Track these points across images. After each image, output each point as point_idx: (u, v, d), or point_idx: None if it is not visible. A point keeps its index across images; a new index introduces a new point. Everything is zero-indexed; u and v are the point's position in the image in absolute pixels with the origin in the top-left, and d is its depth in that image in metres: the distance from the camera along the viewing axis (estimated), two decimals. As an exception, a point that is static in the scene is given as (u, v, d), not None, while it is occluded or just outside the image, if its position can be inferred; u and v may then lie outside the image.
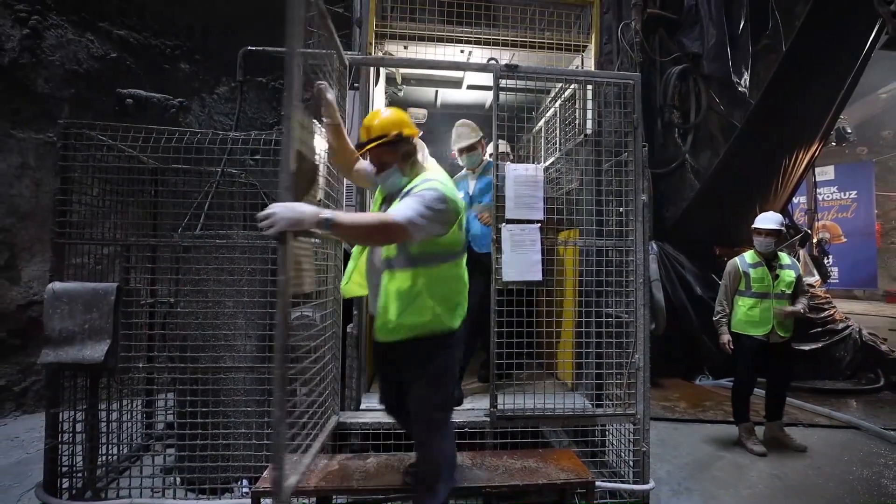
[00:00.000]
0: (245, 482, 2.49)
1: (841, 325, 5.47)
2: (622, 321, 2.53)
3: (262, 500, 1.96)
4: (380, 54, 2.88)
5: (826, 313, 5.59)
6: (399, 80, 3.72)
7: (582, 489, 2.12)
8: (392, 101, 4.01)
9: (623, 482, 2.46)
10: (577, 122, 2.94)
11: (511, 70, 2.44)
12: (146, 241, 2.64)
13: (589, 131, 2.78)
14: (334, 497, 2.15)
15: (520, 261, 2.40)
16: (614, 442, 2.76)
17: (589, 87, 2.72)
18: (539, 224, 2.42)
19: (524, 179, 2.43)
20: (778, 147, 5.44)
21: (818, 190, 12.10)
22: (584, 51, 2.90)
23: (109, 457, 2.50)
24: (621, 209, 2.51)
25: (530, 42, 2.83)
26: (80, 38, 4.21)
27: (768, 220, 3.38)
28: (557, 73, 2.52)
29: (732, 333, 3.44)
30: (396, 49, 3.08)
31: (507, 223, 2.41)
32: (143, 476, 2.40)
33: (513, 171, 2.44)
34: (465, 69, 3.07)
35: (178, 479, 2.50)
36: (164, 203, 2.81)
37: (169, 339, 2.67)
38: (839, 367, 5.24)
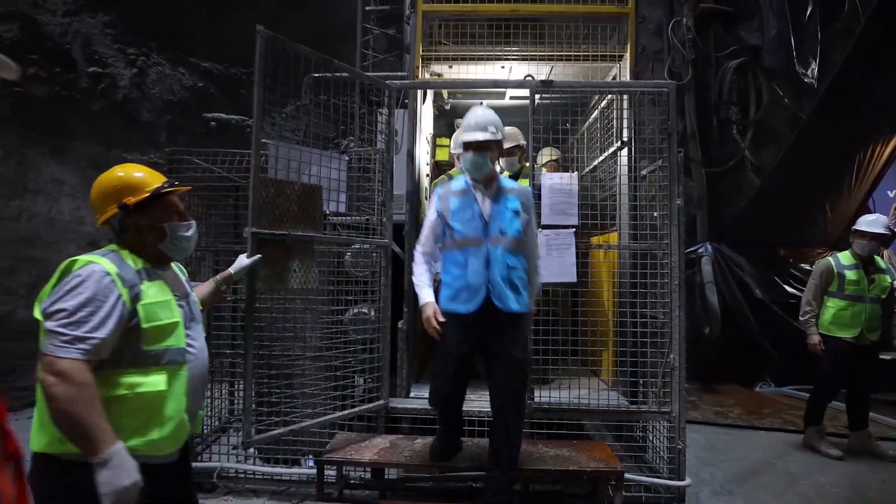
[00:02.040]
0: (311, 459, 2.85)
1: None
2: (658, 322, 2.60)
3: (324, 467, 2.29)
4: (427, 76, 3.16)
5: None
6: (446, 96, 3.99)
7: (612, 479, 2.24)
8: (440, 114, 4.28)
9: (658, 477, 2.53)
10: (614, 129, 3.03)
11: (546, 85, 2.61)
12: (230, 246, 3.09)
13: (625, 138, 2.87)
14: (386, 470, 2.43)
15: (555, 263, 2.56)
16: (653, 441, 2.82)
17: (625, 95, 2.82)
18: (574, 229, 2.56)
19: (559, 188, 2.59)
20: (851, 140, 5.08)
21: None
22: (620, 60, 2.99)
23: (203, 428, 2.97)
24: (656, 213, 2.59)
25: (567, 56, 2.97)
26: (175, 72, 4.90)
27: (876, 223, 3.25)
28: (591, 85, 2.66)
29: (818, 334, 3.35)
30: (442, 69, 3.35)
31: (542, 228, 2.58)
32: (229, 445, 2.84)
33: (549, 179, 2.61)
34: (504, 87, 3.24)
35: (256, 451, 2.92)
36: (242, 214, 3.26)
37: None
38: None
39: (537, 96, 2.61)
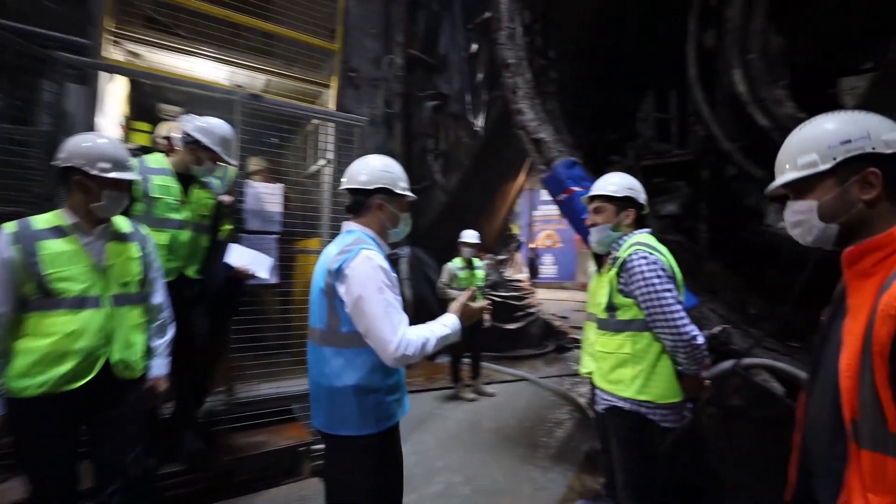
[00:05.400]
0: None
1: (534, 310, 7.63)
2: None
3: None
4: (119, 57, 2.81)
5: (526, 301, 7.70)
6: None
7: (305, 450, 2.65)
8: (137, 93, 3.79)
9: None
10: (321, 148, 3.47)
11: (255, 99, 2.79)
12: None
13: (330, 157, 3.34)
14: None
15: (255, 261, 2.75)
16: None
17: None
18: (276, 235, 2.84)
19: (264, 197, 2.81)
20: (498, 175, 7.23)
21: (544, 206, 16.04)
22: (329, 88, 3.45)
23: None
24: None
25: (280, 73, 3.22)
26: None
27: (471, 235, 4.72)
28: (297, 108, 2.99)
29: None
30: (139, 49, 3.03)
31: (248, 234, 2.75)
32: None
33: (254, 189, 2.80)
34: (212, 92, 3.15)
35: None
36: None
37: None
38: (532, 339, 7.33)
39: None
